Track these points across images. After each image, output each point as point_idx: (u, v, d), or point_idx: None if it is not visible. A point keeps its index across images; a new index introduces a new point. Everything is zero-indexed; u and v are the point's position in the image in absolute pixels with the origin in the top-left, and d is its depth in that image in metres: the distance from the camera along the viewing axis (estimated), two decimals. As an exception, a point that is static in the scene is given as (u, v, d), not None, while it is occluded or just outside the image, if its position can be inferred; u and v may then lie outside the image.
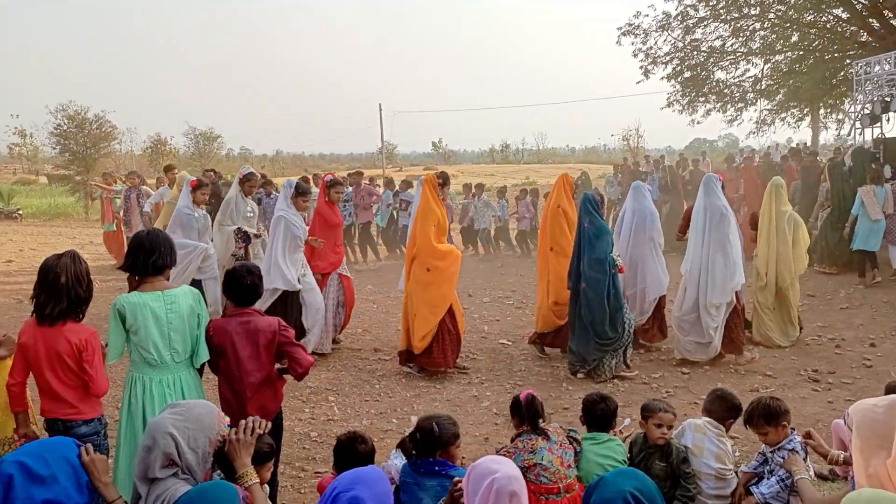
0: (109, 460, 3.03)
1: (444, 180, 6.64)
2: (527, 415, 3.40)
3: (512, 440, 3.47)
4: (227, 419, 2.54)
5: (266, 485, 2.71)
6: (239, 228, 7.32)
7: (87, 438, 3.00)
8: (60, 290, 3.01)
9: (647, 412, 3.57)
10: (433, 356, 6.35)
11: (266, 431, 2.72)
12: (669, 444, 3.54)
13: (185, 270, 6.70)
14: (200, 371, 3.51)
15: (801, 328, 7.34)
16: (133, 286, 3.37)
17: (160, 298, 3.26)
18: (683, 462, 3.51)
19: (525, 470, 3.24)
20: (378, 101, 52.90)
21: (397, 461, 3.21)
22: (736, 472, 3.64)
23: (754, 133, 24.03)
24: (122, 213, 12.70)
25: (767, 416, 3.43)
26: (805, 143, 22.62)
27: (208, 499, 1.98)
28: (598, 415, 3.55)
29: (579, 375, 6.30)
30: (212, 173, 11.83)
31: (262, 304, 6.24)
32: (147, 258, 3.25)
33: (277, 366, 3.59)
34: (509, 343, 7.44)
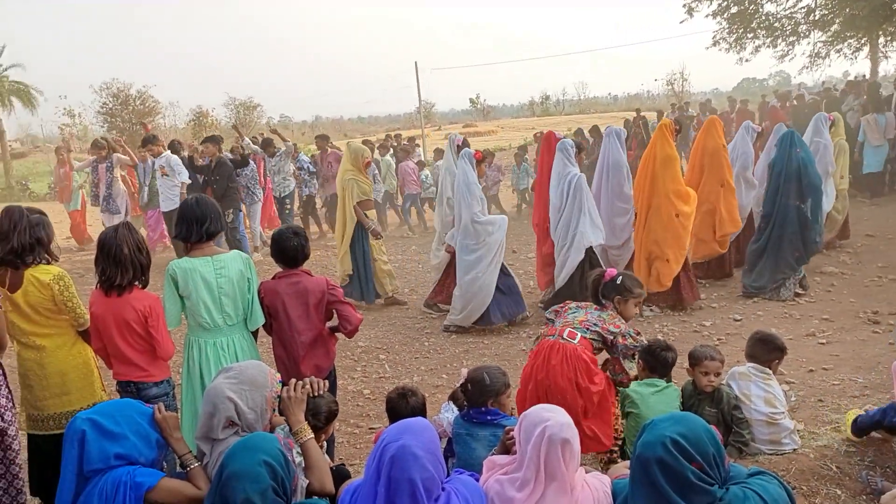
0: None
1: (680, 126, 6.91)
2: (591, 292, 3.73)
3: None
4: (279, 376, 2.62)
5: (324, 441, 2.81)
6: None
7: (158, 399, 3.19)
8: (125, 261, 3.15)
9: (694, 360, 3.56)
10: (684, 293, 6.73)
11: (324, 391, 2.80)
12: (719, 390, 3.52)
13: (497, 247, 6.45)
14: (255, 334, 3.63)
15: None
16: (185, 253, 3.48)
17: (209, 263, 3.37)
18: (735, 409, 3.49)
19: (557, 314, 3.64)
20: (414, 59, 51.80)
21: (448, 414, 3.27)
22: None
23: (808, 68, 22.71)
24: (92, 189, 10.77)
25: None
26: (864, 76, 21.28)
27: (248, 446, 2.12)
28: (662, 361, 3.55)
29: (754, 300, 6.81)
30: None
31: (571, 267, 6.36)
32: (200, 226, 3.37)
33: (328, 324, 3.68)
34: (555, 296, 7.39)
